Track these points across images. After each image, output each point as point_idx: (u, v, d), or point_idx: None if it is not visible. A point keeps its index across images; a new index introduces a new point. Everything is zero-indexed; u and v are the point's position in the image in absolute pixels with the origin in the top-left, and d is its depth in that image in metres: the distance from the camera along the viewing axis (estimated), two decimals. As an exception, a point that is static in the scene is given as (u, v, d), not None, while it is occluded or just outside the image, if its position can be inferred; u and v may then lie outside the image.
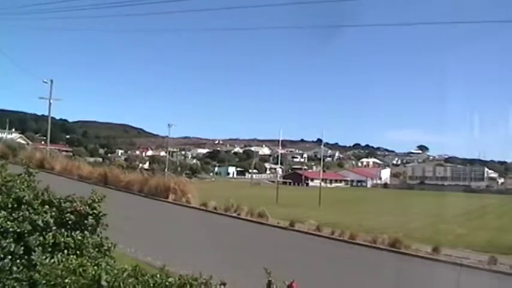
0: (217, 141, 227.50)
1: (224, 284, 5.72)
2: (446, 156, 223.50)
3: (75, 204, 8.17)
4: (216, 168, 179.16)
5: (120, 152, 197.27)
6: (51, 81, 60.00)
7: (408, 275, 16.99)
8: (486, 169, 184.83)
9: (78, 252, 7.45)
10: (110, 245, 7.88)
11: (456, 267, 18.25)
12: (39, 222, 7.74)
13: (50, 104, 59.93)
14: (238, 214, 28.22)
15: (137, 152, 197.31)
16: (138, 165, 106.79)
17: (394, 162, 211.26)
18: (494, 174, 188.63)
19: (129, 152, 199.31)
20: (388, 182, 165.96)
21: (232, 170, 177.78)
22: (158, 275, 5.80)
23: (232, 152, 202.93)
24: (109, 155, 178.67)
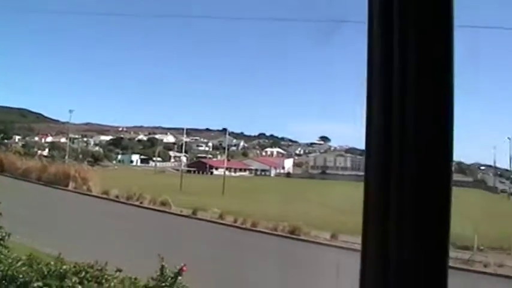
0: (120, 128, 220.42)
1: (120, 271, 5.79)
2: (347, 147, 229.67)
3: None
4: (119, 156, 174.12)
5: (17, 137, 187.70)
6: None
7: (302, 259, 17.64)
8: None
9: (-31, 242, 7.22)
10: (4, 234, 7.68)
11: (350, 252, 19.12)
12: None
13: None
14: (141, 202, 28.05)
15: (36, 138, 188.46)
16: (37, 152, 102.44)
17: (297, 152, 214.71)
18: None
19: (27, 138, 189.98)
20: (291, 172, 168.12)
21: (136, 157, 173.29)
22: (52, 263, 5.77)
23: (136, 139, 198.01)
24: (5, 141, 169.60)
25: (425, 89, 1.72)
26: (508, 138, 52.80)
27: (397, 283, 1.68)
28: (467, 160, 70.88)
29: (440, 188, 1.69)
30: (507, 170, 64.95)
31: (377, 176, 1.78)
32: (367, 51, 1.86)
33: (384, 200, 1.72)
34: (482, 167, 69.79)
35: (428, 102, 1.72)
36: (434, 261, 1.68)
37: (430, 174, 1.68)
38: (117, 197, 28.97)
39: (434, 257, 1.68)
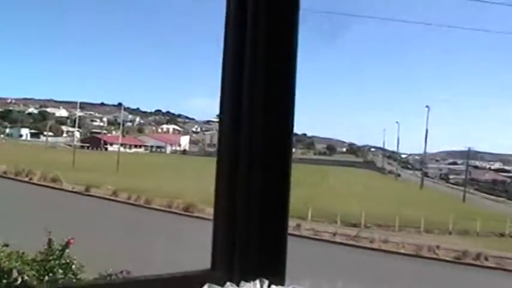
0: (9, 100, 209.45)
1: (7, 245, 5.80)
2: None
3: None
4: (8, 130, 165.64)
5: None
6: None
7: (195, 235, 17.93)
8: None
9: None
10: None
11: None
12: None
13: None
14: (30, 179, 27.14)
15: None
16: None
17: (194, 129, 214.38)
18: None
19: None
20: (188, 149, 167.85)
21: (25, 131, 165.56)
22: None
23: (26, 112, 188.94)
24: None
25: (272, 73, 1.93)
26: (397, 122, 55.73)
27: (243, 252, 1.93)
28: (359, 142, 74.14)
29: (282, 164, 1.94)
30: (394, 152, 68.67)
31: (228, 154, 2.01)
32: (224, 30, 2.06)
33: (233, 178, 1.94)
34: (373, 149, 73.10)
35: (274, 86, 1.93)
36: (276, 230, 1.93)
37: (274, 151, 1.92)
38: (5, 173, 27.79)
39: (275, 226, 1.93)
